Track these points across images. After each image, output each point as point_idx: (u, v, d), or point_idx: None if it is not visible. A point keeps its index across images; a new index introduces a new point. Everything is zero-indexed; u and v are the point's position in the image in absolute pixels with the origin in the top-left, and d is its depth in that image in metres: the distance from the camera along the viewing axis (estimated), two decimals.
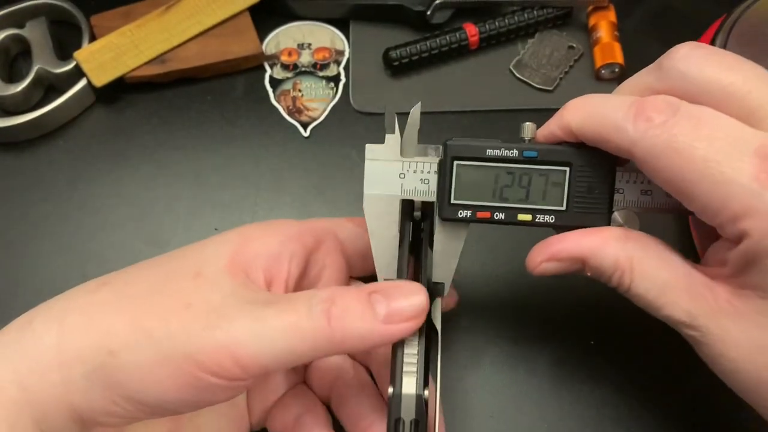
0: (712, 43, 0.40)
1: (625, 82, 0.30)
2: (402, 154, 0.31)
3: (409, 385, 0.27)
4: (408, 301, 0.28)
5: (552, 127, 0.30)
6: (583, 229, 0.29)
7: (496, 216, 0.30)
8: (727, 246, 0.26)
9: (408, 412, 0.27)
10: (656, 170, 0.27)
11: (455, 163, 0.30)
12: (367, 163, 0.31)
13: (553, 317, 0.39)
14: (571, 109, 0.29)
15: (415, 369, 0.27)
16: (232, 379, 0.26)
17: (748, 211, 0.24)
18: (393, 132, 0.31)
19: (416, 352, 0.28)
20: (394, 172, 0.31)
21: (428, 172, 0.31)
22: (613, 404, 0.37)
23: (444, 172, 0.30)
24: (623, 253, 0.28)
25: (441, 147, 0.31)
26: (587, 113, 0.29)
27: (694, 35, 0.44)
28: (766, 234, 0.24)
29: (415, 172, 0.31)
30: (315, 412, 0.34)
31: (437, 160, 0.31)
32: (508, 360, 0.38)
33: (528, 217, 0.30)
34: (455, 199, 0.30)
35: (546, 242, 0.30)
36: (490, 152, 0.30)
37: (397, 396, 0.27)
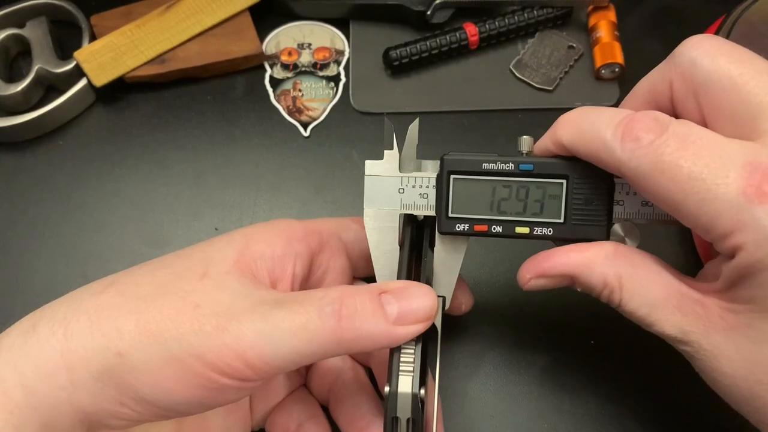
0: None
1: (643, 79, 0.31)
2: (401, 169, 0.31)
3: (406, 383, 0.27)
4: (419, 303, 0.28)
5: (546, 142, 0.30)
6: (573, 245, 0.29)
7: (494, 229, 0.30)
8: (723, 261, 0.26)
9: (404, 411, 0.27)
10: (645, 190, 0.27)
11: (452, 177, 0.30)
12: (366, 178, 0.31)
13: (553, 318, 0.39)
14: (563, 124, 0.29)
15: (411, 368, 0.27)
16: (243, 379, 0.26)
17: (737, 226, 0.24)
18: (392, 148, 0.31)
19: (413, 351, 0.28)
20: (394, 187, 0.31)
21: (427, 187, 0.31)
22: (613, 404, 0.37)
23: (441, 187, 0.30)
24: (612, 272, 0.28)
25: (438, 161, 0.31)
26: (578, 130, 0.28)
27: (694, 35, 0.44)
28: (758, 248, 0.24)
29: (413, 186, 0.31)
30: (317, 420, 0.34)
31: (435, 174, 0.31)
32: (508, 360, 0.38)
33: (526, 230, 0.30)
34: (453, 212, 0.30)
35: (535, 259, 0.30)
36: (486, 166, 0.30)
37: (394, 395, 0.27)
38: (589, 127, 0.28)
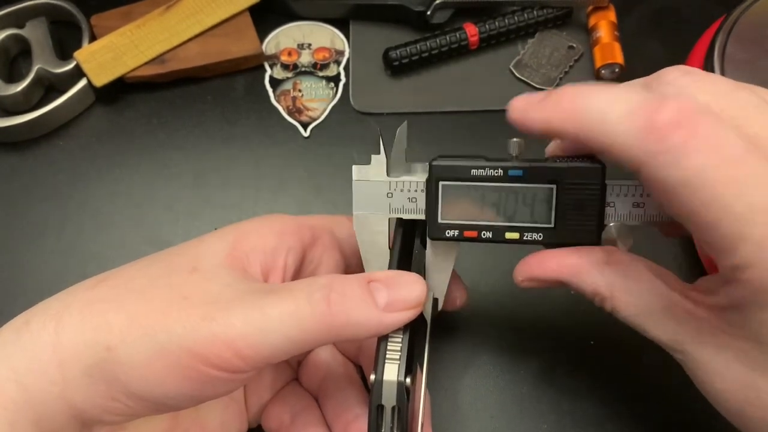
0: (712, 43, 0.40)
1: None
2: (389, 173, 0.31)
3: (391, 371, 0.27)
4: (408, 290, 0.28)
5: (539, 127, 0.26)
6: (566, 250, 0.29)
7: (484, 235, 0.30)
8: (721, 280, 0.25)
9: (389, 399, 0.27)
10: (664, 200, 0.24)
11: (441, 183, 0.30)
12: (354, 183, 0.31)
13: (552, 318, 0.39)
14: (563, 112, 0.25)
15: (398, 356, 0.27)
16: (233, 371, 0.26)
17: (758, 263, 0.22)
18: (379, 152, 0.31)
19: (400, 339, 0.28)
20: (382, 191, 0.31)
21: (415, 191, 0.31)
22: (613, 405, 0.37)
23: (430, 193, 0.30)
24: (602, 281, 0.28)
25: (428, 164, 0.30)
26: (580, 120, 0.25)
27: (694, 35, 0.44)
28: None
29: (402, 190, 0.31)
30: (311, 411, 0.34)
31: (424, 178, 0.31)
32: (508, 360, 0.38)
33: (516, 236, 0.30)
34: (442, 218, 0.30)
35: (527, 262, 0.30)
36: (475, 172, 0.30)
37: (379, 382, 0.27)
38: (595, 116, 0.24)
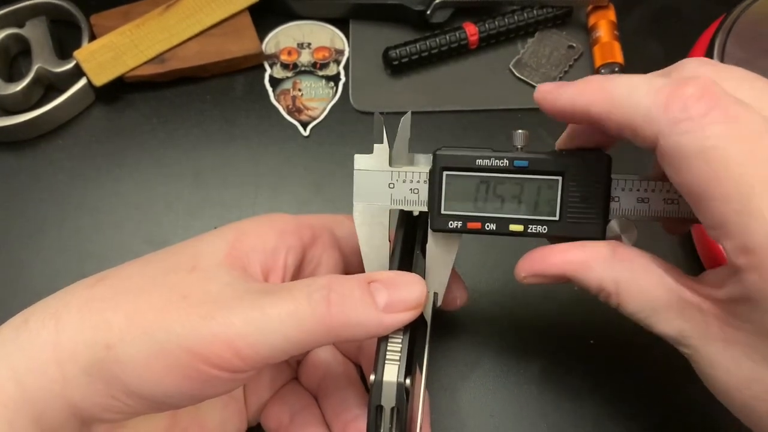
0: (712, 42, 0.40)
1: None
2: (391, 163, 0.30)
3: (391, 372, 0.27)
4: (408, 291, 0.28)
5: (565, 105, 0.27)
6: (570, 244, 0.29)
7: (487, 226, 0.30)
8: (728, 272, 0.25)
9: (388, 400, 0.27)
10: (677, 173, 0.24)
11: (445, 173, 0.29)
12: (355, 173, 0.31)
13: (552, 317, 0.39)
14: (589, 91, 0.26)
15: (398, 357, 0.27)
16: (232, 370, 0.26)
17: (762, 249, 0.22)
18: (381, 141, 0.30)
19: (400, 340, 0.28)
20: (384, 181, 0.30)
21: (418, 182, 0.30)
22: (613, 403, 0.37)
23: (434, 183, 0.30)
24: (608, 276, 0.28)
25: (431, 155, 0.30)
26: (609, 97, 0.26)
27: (694, 35, 0.44)
28: None
29: (404, 181, 0.30)
30: (310, 410, 0.34)
31: (427, 169, 0.30)
32: (508, 359, 0.38)
33: (520, 228, 0.30)
34: (445, 209, 0.30)
35: (531, 257, 0.29)
36: (480, 162, 0.29)
37: (378, 383, 0.27)
38: (623, 93, 0.25)
